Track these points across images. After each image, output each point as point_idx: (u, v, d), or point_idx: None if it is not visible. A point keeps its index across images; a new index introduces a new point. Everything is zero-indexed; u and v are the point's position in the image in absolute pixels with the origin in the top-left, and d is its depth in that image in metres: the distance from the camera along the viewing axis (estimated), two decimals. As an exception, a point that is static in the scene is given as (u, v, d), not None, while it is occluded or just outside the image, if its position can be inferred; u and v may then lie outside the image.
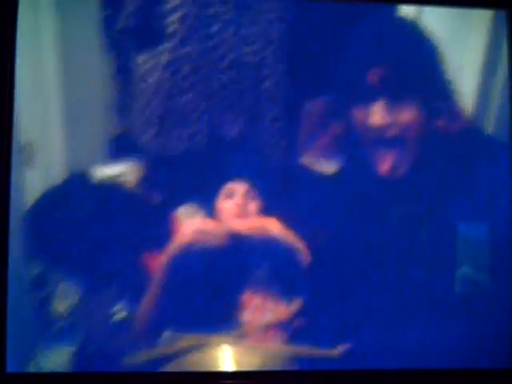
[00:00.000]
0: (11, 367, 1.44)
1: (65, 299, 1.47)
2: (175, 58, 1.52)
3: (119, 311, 1.47)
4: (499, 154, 1.59)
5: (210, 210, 1.52)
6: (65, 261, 1.48)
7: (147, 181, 1.52)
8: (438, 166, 1.57)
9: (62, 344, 1.47)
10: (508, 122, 1.59)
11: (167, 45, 1.52)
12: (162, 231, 1.51)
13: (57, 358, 1.46)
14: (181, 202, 1.52)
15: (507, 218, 1.57)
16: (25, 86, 1.47)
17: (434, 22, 1.57)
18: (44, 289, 1.47)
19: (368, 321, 1.53)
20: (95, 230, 1.49)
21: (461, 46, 1.60)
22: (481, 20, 1.60)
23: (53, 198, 1.49)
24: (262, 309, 1.51)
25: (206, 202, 1.53)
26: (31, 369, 1.45)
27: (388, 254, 1.54)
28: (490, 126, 1.60)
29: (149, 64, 1.52)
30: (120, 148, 1.52)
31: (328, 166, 1.56)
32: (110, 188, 1.51)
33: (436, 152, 1.56)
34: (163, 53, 1.52)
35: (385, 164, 1.53)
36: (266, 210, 1.52)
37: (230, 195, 1.53)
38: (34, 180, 1.48)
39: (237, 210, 1.52)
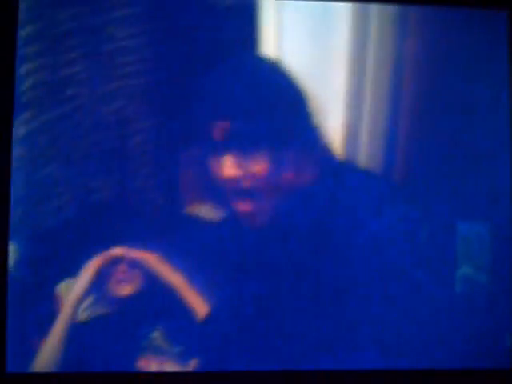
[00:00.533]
0: (11, 367, 1.44)
1: None
2: (32, 130, 1.46)
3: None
4: (499, 154, 1.59)
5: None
6: None
7: (22, 261, 1.46)
8: (438, 166, 1.57)
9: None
10: (508, 122, 1.59)
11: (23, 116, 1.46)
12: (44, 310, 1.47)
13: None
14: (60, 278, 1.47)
15: (507, 218, 1.57)
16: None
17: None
18: None
19: (368, 321, 1.53)
20: None
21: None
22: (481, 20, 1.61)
23: None
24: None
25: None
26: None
27: (388, 254, 1.54)
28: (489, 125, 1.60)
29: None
30: None
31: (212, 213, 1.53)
32: None
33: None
34: (20, 125, 1.46)
35: (245, 213, 1.51)
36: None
37: (113, 262, 1.48)
38: None
39: (121, 277, 1.48)
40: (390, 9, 1.57)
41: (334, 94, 1.54)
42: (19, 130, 1.45)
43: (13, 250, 1.45)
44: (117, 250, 1.47)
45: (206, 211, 1.52)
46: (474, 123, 1.59)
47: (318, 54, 1.54)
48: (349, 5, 1.55)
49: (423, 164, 1.57)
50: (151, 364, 1.48)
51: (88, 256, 1.47)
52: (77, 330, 1.47)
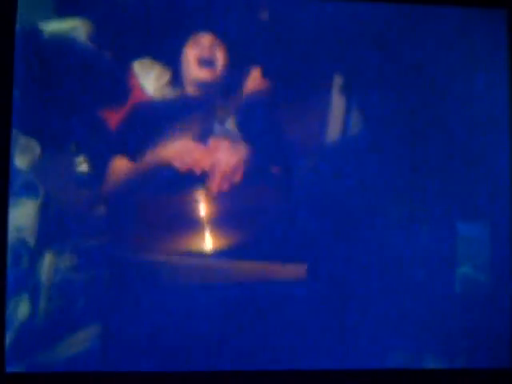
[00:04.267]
0: (10, 367, 1.44)
1: (25, 154, 1.47)
2: None
3: (80, 164, 1.48)
4: (499, 154, 1.59)
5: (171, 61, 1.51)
6: (21, 120, 1.47)
7: (99, 36, 1.49)
8: (438, 167, 1.57)
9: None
10: (508, 122, 1.59)
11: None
12: (119, 86, 1.49)
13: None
14: (135, 56, 1.50)
15: (507, 218, 1.57)
16: None
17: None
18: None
19: (368, 320, 1.52)
20: (49, 87, 1.47)
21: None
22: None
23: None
24: None
25: (165, 55, 1.51)
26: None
27: (388, 254, 1.54)
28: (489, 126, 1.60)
29: None
30: (67, 4, 1.49)
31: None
32: (62, 44, 1.48)
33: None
34: None
35: None
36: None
37: (196, 45, 1.51)
38: None
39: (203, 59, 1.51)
40: (391, 8, 1.57)
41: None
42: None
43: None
44: None
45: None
46: (474, 123, 1.59)
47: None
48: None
49: (423, 164, 1.57)
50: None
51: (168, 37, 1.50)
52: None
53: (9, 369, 1.43)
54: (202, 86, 1.52)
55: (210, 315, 1.49)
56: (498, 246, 1.57)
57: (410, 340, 1.53)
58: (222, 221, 1.52)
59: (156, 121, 1.51)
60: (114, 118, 1.50)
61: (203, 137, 1.52)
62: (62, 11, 1.50)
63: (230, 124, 1.53)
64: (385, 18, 1.57)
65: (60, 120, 1.48)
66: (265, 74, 1.53)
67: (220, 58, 1.52)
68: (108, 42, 1.50)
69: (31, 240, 1.47)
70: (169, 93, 1.52)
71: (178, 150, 1.50)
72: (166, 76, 1.51)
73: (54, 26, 1.49)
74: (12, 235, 1.46)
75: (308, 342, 1.51)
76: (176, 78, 1.52)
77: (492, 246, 1.57)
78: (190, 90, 1.52)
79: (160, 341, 1.48)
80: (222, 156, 1.51)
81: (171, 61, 1.52)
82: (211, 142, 1.52)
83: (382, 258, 1.54)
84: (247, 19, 1.55)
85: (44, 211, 1.47)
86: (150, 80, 1.52)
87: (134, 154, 1.50)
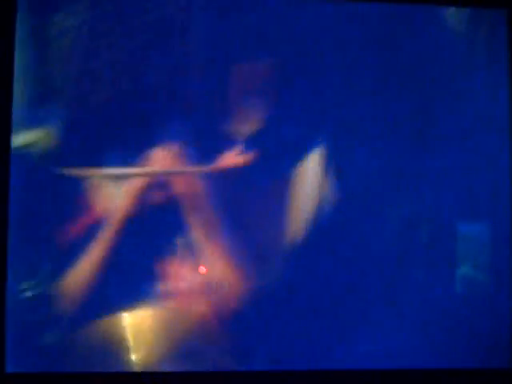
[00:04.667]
0: (10, 367, 1.44)
1: None
2: (92, 17, 1.48)
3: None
4: (499, 154, 1.59)
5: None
6: None
7: (61, 147, 1.46)
8: (438, 166, 1.57)
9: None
10: (508, 122, 1.59)
11: (83, 3, 1.48)
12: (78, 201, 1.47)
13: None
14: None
15: (507, 218, 1.57)
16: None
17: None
18: None
19: (368, 320, 1.52)
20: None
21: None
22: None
23: None
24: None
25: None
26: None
27: (388, 254, 1.54)
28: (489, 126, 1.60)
29: (65, 23, 1.47)
30: (32, 114, 1.47)
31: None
32: (24, 157, 1.46)
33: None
34: (79, 12, 1.48)
35: None
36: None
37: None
38: None
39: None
40: (391, 8, 1.57)
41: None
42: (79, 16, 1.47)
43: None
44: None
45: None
46: (474, 123, 1.59)
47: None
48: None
49: (423, 164, 1.57)
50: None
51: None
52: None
53: (9, 369, 1.43)
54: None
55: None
56: (498, 246, 1.57)
57: (410, 340, 1.53)
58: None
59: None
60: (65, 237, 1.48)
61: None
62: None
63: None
64: (385, 18, 1.57)
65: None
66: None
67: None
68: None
69: None
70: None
71: None
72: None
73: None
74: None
75: (308, 342, 1.51)
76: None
77: (492, 246, 1.57)
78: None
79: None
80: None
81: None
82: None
83: (382, 258, 1.54)
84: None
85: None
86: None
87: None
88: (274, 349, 1.51)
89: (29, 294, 1.46)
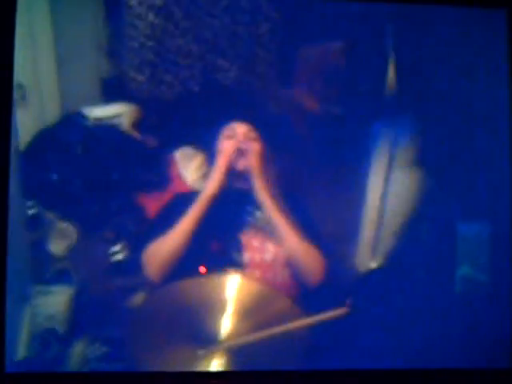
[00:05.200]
0: (10, 367, 1.44)
1: (62, 240, 1.45)
2: (168, 2, 1.51)
3: (116, 253, 1.47)
4: (499, 154, 1.59)
5: (210, 152, 1.53)
6: (60, 203, 1.46)
7: (143, 123, 1.51)
8: (438, 167, 1.57)
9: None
10: (508, 122, 1.59)
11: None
12: (160, 173, 1.51)
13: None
14: (177, 144, 1.52)
15: (507, 218, 1.57)
16: (17, 28, 1.44)
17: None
18: (39, 229, 1.45)
19: (368, 321, 1.52)
20: (90, 171, 1.47)
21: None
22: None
23: (47, 140, 1.47)
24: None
25: (205, 144, 1.53)
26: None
27: (388, 254, 1.54)
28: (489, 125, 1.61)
29: (141, 7, 1.50)
30: (113, 90, 1.51)
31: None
32: (105, 129, 1.49)
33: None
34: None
35: None
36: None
37: (231, 136, 1.53)
38: (27, 121, 1.46)
39: (237, 150, 1.52)
40: (391, 8, 1.57)
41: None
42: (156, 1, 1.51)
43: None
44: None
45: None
46: (474, 123, 1.59)
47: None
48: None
49: (423, 164, 1.57)
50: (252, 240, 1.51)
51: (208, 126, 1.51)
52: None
53: (9, 369, 1.44)
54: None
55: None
56: (498, 246, 1.57)
57: (409, 340, 1.53)
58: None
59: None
60: (152, 206, 1.50)
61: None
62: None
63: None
64: (385, 18, 1.57)
65: (99, 204, 1.47)
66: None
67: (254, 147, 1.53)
68: (151, 130, 1.52)
69: (61, 328, 1.45)
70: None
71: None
72: (205, 166, 1.54)
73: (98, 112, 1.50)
74: (42, 323, 1.45)
75: (308, 342, 1.51)
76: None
77: (492, 246, 1.57)
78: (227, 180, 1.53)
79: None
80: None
81: (211, 151, 1.54)
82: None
83: (382, 258, 1.54)
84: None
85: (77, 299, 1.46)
86: (189, 170, 1.54)
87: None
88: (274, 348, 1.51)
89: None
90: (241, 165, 1.53)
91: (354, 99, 1.56)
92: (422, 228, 1.56)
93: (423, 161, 1.57)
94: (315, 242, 1.51)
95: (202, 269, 1.48)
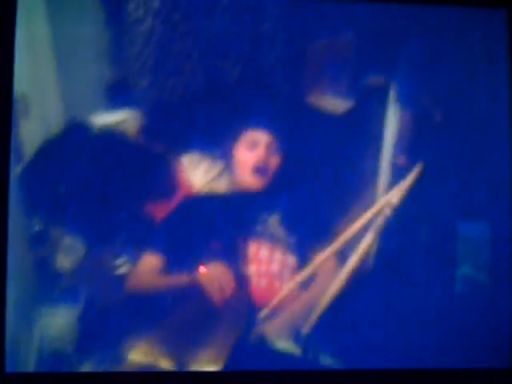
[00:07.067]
0: (10, 367, 1.44)
1: (68, 254, 1.43)
2: (166, 5, 1.49)
3: (123, 264, 1.45)
4: (499, 154, 1.59)
5: (223, 159, 1.51)
6: (66, 214, 1.44)
7: (148, 129, 1.49)
8: (438, 167, 1.57)
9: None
10: (508, 122, 1.59)
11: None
12: (167, 180, 1.49)
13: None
14: (184, 149, 1.50)
15: (507, 218, 1.57)
16: (19, 37, 1.45)
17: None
18: (45, 245, 1.43)
19: (368, 320, 1.52)
20: (97, 180, 1.46)
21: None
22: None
23: (52, 150, 1.45)
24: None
25: (216, 150, 1.50)
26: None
27: (388, 254, 1.54)
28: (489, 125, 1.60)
29: (140, 11, 1.48)
30: (116, 97, 1.49)
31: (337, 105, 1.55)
32: (110, 137, 1.47)
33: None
34: None
35: None
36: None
37: (252, 145, 1.49)
38: (31, 132, 1.45)
39: (257, 164, 1.49)
40: (390, 8, 1.57)
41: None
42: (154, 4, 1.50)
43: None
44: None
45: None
46: (474, 123, 1.59)
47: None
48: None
49: (423, 164, 1.57)
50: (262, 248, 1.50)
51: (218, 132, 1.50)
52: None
53: (9, 369, 1.43)
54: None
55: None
56: (498, 245, 1.57)
57: (409, 340, 1.53)
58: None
59: (202, 216, 1.49)
60: (161, 214, 1.48)
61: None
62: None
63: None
64: (385, 18, 1.57)
65: (106, 217, 1.46)
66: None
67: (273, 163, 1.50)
68: (157, 135, 1.50)
69: (68, 349, 1.45)
70: (216, 188, 1.51)
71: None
72: (214, 171, 1.51)
73: (102, 120, 1.48)
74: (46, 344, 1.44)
75: (307, 342, 1.51)
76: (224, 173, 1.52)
77: (492, 246, 1.57)
78: (238, 185, 1.52)
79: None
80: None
81: (220, 155, 1.52)
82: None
83: (382, 258, 1.54)
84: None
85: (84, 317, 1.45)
86: (198, 174, 1.51)
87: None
88: (273, 349, 1.51)
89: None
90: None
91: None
92: (421, 228, 1.56)
93: (423, 160, 1.57)
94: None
95: (202, 269, 1.49)
